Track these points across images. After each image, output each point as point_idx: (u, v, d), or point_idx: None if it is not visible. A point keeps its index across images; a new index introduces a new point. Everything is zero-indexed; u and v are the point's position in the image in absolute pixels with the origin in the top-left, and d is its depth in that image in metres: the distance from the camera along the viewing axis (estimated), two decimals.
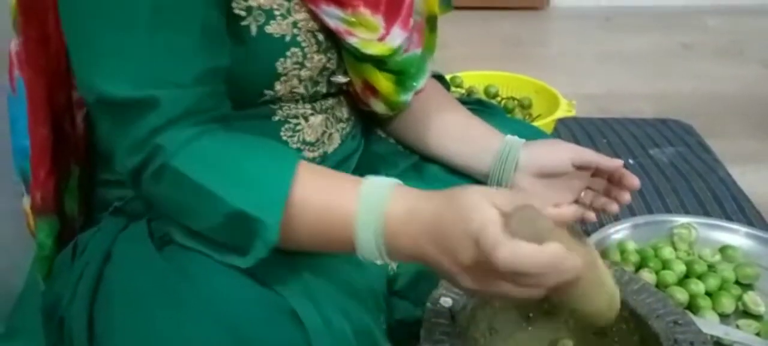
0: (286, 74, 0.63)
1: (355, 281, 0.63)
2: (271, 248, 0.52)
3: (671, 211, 1.17)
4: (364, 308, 0.61)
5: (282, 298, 0.54)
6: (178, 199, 0.55)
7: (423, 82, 0.75)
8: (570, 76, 1.78)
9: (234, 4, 0.57)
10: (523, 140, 0.78)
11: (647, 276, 0.93)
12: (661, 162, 1.35)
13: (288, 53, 0.62)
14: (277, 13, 0.60)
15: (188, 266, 0.56)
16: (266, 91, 0.63)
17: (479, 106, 0.98)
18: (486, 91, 1.38)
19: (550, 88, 1.33)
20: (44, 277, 0.68)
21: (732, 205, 1.20)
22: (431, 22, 0.76)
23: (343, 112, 0.75)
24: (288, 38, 0.61)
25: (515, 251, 0.45)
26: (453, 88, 1.38)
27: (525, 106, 1.35)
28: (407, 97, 0.74)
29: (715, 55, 1.95)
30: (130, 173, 0.55)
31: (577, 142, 1.42)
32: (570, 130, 1.46)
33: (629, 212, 1.18)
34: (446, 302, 0.63)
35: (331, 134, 0.73)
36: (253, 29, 0.59)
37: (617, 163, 0.77)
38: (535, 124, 1.20)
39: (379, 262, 0.54)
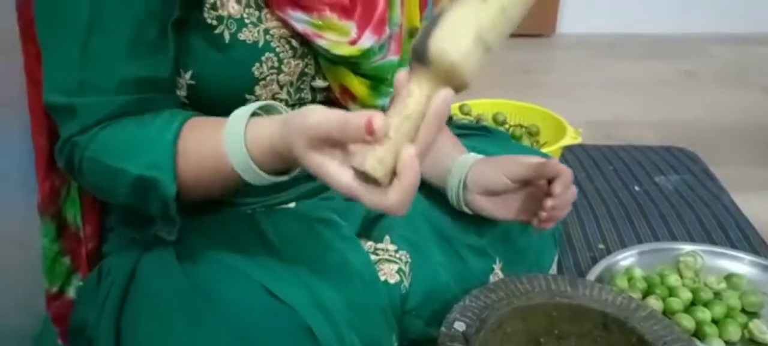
0: (264, 79, 0.65)
1: (367, 298, 0.65)
2: (173, 199, 0.57)
3: (677, 238, 1.19)
4: (375, 325, 0.63)
5: (296, 313, 0.57)
6: (98, 183, 0.62)
7: None
8: (576, 103, 1.81)
9: (206, 15, 0.61)
10: (479, 157, 0.76)
11: (654, 303, 0.95)
12: (666, 189, 1.37)
13: (263, 58, 0.64)
14: (247, 20, 0.63)
15: (208, 283, 0.60)
16: (248, 96, 0.66)
17: (485, 132, 1.00)
18: (494, 119, 1.41)
19: (556, 116, 1.36)
20: (49, 281, 0.72)
21: (737, 233, 1.22)
22: (412, 34, 0.78)
23: None
24: (261, 44, 0.64)
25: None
26: (461, 116, 1.41)
27: (532, 133, 1.38)
28: (384, 102, 0.75)
29: (718, 83, 1.98)
30: (65, 170, 0.63)
31: (584, 169, 1.45)
32: (577, 156, 1.49)
33: (636, 238, 1.20)
34: (460, 326, 0.65)
35: None
36: (226, 36, 0.62)
37: (553, 169, 0.71)
38: (543, 150, 1.23)
39: (252, 177, 0.56)
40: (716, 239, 1.20)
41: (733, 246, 1.17)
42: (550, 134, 1.35)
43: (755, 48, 2.23)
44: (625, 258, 1.07)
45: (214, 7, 0.61)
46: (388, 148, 0.46)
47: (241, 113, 0.56)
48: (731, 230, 1.23)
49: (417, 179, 0.47)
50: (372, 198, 0.47)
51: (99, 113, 0.59)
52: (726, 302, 0.96)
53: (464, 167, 0.76)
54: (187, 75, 0.64)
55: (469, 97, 1.46)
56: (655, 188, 1.37)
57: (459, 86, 0.47)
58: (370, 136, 0.45)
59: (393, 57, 0.74)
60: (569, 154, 1.47)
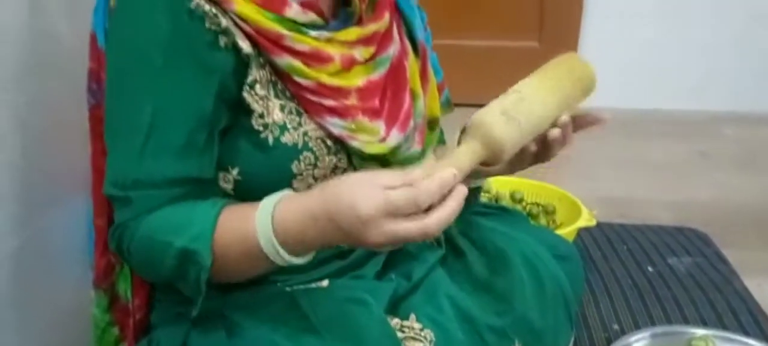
0: (301, 174, 0.73)
1: None
2: (207, 269, 0.65)
3: (689, 321, 1.23)
4: None
5: None
6: (145, 259, 0.69)
7: None
8: (591, 181, 1.86)
9: (253, 122, 0.70)
10: None
11: None
12: (679, 272, 1.41)
13: (301, 157, 0.72)
14: (289, 125, 0.71)
15: None
16: (286, 189, 0.72)
17: (502, 212, 1.06)
18: (512, 196, 1.47)
19: (572, 197, 1.42)
20: None
21: (748, 318, 1.25)
22: (432, 123, 0.87)
23: None
24: (300, 145, 0.72)
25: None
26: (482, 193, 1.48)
27: (549, 212, 1.43)
28: None
29: (731, 164, 2.03)
30: (114, 251, 0.71)
31: (599, 248, 1.50)
32: (592, 235, 1.53)
33: (649, 320, 1.24)
34: None
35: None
36: (270, 140, 0.71)
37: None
38: (559, 232, 1.28)
39: (279, 260, 0.65)
40: (728, 323, 1.23)
41: (745, 331, 1.20)
42: (566, 214, 1.40)
43: (767, 130, 2.28)
44: (638, 340, 1.11)
45: (261, 116, 0.70)
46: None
47: (272, 196, 0.66)
48: (742, 315, 1.26)
49: (458, 208, 0.60)
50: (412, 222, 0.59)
51: (151, 204, 0.67)
52: None
53: None
54: (234, 171, 0.72)
55: None
56: (669, 270, 1.41)
57: (497, 151, 0.65)
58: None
59: (417, 148, 0.82)
60: (585, 233, 1.51)
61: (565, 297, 0.90)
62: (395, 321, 0.78)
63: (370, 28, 0.78)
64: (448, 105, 0.95)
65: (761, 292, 1.34)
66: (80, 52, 0.80)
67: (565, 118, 0.78)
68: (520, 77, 0.83)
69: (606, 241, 1.53)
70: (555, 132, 0.78)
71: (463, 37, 2.36)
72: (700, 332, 1.12)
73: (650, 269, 1.42)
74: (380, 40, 0.80)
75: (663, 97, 2.44)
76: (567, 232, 1.29)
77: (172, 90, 0.66)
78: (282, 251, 0.64)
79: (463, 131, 0.67)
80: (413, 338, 0.78)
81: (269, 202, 0.65)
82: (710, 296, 1.32)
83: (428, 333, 0.79)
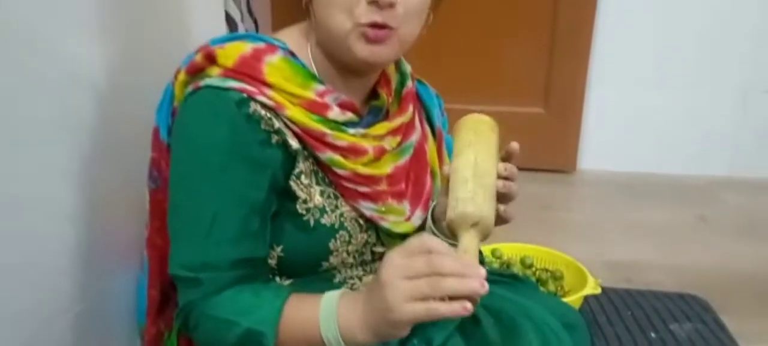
0: (336, 250, 0.83)
1: None
2: None
3: None
4: None
5: None
6: (210, 333, 0.77)
7: None
8: (596, 244, 1.94)
9: (297, 207, 0.80)
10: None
11: None
12: (681, 337, 1.48)
13: (337, 236, 0.83)
14: (328, 208, 0.82)
15: None
16: (323, 263, 0.84)
17: (513, 279, 1.14)
18: (522, 262, 1.55)
19: (578, 265, 1.50)
20: None
21: None
22: None
23: None
24: (337, 225, 0.82)
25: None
26: (492, 258, 1.56)
27: (557, 278, 1.51)
28: None
29: (731, 230, 2.10)
30: (180, 326, 0.80)
31: (604, 312, 1.57)
32: (598, 300, 1.60)
33: None
34: None
35: None
36: (311, 222, 0.81)
37: None
38: (566, 299, 1.36)
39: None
40: None
41: None
42: (573, 281, 1.48)
43: (766, 197, 2.36)
44: None
45: (305, 202, 0.81)
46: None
47: (334, 294, 0.75)
48: None
49: (467, 272, 0.67)
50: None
51: (219, 284, 0.77)
52: None
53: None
54: (279, 249, 0.83)
55: (497, 240, 1.60)
56: (670, 336, 1.48)
57: (486, 229, 0.75)
58: None
59: None
60: (591, 299, 1.58)
61: None
62: None
63: (398, 120, 0.89)
64: None
65: None
66: (140, 141, 0.90)
67: (500, 166, 0.83)
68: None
69: (611, 307, 1.60)
70: (501, 184, 0.82)
71: (473, 102, 2.44)
72: None
73: (653, 334, 1.49)
74: (405, 129, 0.91)
75: (664, 162, 2.51)
76: (574, 299, 1.36)
77: (230, 187, 0.76)
78: (342, 343, 0.73)
79: (452, 226, 0.76)
80: None
81: (332, 300, 0.74)
82: None
83: None
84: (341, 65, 0.84)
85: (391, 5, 0.76)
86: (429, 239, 0.68)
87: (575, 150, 2.54)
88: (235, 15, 1.64)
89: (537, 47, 2.40)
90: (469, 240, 0.74)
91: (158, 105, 0.87)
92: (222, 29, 1.52)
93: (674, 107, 2.46)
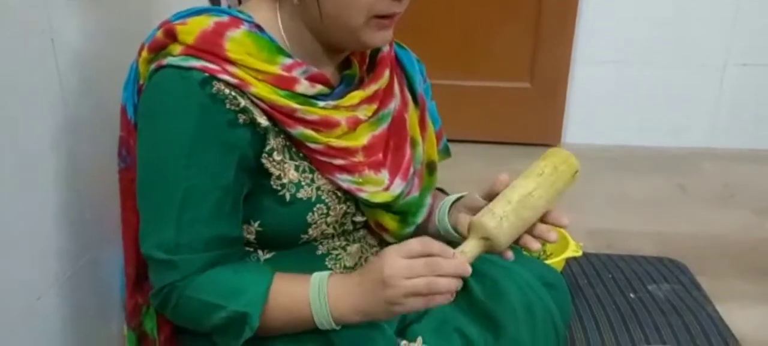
0: (315, 223, 0.82)
1: None
2: (253, 330, 0.75)
3: (666, 343, 1.35)
4: None
5: None
6: (191, 315, 0.78)
7: (422, 216, 0.93)
8: (580, 213, 1.99)
9: (272, 183, 0.79)
10: (452, 199, 0.93)
11: None
12: (658, 297, 1.54)
13: (315, 209, 0.81)
14: (303, 183, 0.80)
15: None
16: (302, 235, 0.83)
17: None
18: None
19: (561, 230, 1.55)
20: None
21: (718, 340, 1.38)
22: (430, 167, 0.95)
23: (374, 239, 0.93)
24: (314, 199, 0.81)
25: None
26: None
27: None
28: (410, 229, 0.91)
29: (708, 198, 2.16)
30: (157, 306, 0.80)
31: (586, 276, 1.63)
32: (580, 264, 1.66)
33: (631, 342, 1.36)
34: None
35: (367, 257, 0.92)
36: (288, 197, 0.80)
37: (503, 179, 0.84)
38: (548, 262, 1.42)
39: (325, 328, 0.77)
40: (700, 344, 1.36)
41: None
42: (555, 246, 1.54)
43: (743, 166, 2.42)
44: None
45: (278, 178, 0.79)
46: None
47: (323, 276, 0.78)
48: (714, 338, 1.39)
49: (459, 272, 0.74)
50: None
51: (196, 266, 0.77)
52: None
53: (445, 210, 0.93)
54: (256, 224, 0.82)
55: None
56: (648, 296, 1.55)
57: (497, 248, 0.78)
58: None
59: (416, 193, 0.91)
60: (573, 262, 1.64)
61: (554, 322, 1.00)
62: (403, 343, 0.89)
63: (371, 88, 0.85)
64: (447, 152, 1.04)
65: (731, 317, 1.47)
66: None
67: (548, 220, 0.84)
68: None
69: (592, 270, 1.66)
70: (542, 228, 0.83)
71: (460, 78, 2.49)
72: None
73: (632, 295, 1.55)
74: (382, 96, 0.87)
75: (646, 134, 2.56)
76: (556, 261, 1.43)
77: (200, 170, 0.75)
78: (333, 324, 0.77)
79: (470, 227, 0.79)
80: None
81: (322, 282, 0.77)
82: (685, 320, 1.45)
83: None
84: (327, 45, 0.82)
85: None
86: (429, 243, 0.73)
87: (560, 124, 2.58)
88: None
89: (523, 24, 2.43)
90: (472, 247, 0.78)
91: (124, 82, 0.84)
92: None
93: (655, 82, 2.51)
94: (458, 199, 0.93)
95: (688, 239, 1.88)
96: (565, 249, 1.47)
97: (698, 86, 2.51)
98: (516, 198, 0.80)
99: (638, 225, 1.96)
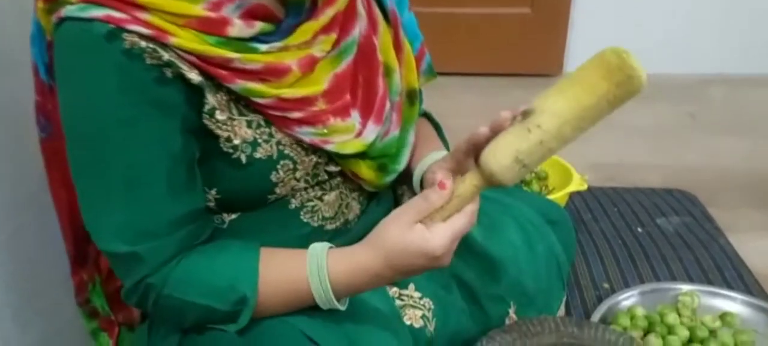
0: (281, 181, 0.71)
1: (396, 341, 0.74)
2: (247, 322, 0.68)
3: (676, 278, 1.29)
4: None
5: None
6: (177, 316, 0.70)
7: (404, 161, 0.80)
8: (582, 146, 1.90)
9: (221, 146, 0.66)
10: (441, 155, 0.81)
11: (654, 341, 1.05)
12: (668, 231, 1.47)
13: (279, 166, 0.69)
14: (260, 140, 0.68)
15: (254, 332, 0.69)
16: (269, 196, 0.72)
17: None
18: None
19: (564, 163, 1.46)
20: None
21: (732, 273, 1.31)
22: (411, 96, 0.81)
23: (354, 185, 0.80)
24: (275, 156, 0.69)
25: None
26: None
27: (541, 177, 1.48)
28: (390, 178, 0.80)
29: (718, 126, 2.07)
30: (134, 305, 0.70)
31: (590, 210, 1.55)
32: (583, 198, 1.59)
33: (638, 278, 1.30)
34: None
35: (347, 204, 0.80)
36: (243, 159, 0.67)
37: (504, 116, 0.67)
38: (551, 197, 1.33)
39: (325, 304, 0.68)
40: (712, 279, 1.29)
41: (729, 286, 1.26)
42: (558, 179, 1.45)
43: (753, 91, 2.33)
44: (628, 298, 1.17)
45: (228, 140, 0.66)
46: (442, 212, 0.65)
47: (321, 251, 0.68)
48: (727, 271, 1.32)
49: (464, 227, 0.65)
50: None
51: (164, 254, 0.66)
52: (720, 340, 1.06)
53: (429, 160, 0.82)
54: (213, 191, 0.71)
55: None
56: (657, 230, 1.47)
57: (494, 184, 0.64)
58: (441, 189, 0.64)
59: (395, 131, 0.79)
60: (576, 197, 1.57)
61: (557, 260, 0.95)
62: (394, 290, 0.82)
63: (327, 14, 0.70)
64: (431, 72, 0.90)
65: (744, 248, 1.40)
66: None
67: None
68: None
69: (597, 204, 1.58)
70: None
71: (460, 4, 2.37)
72: (686, 287, 1.18)
73: (639, 229, 1.48)
74: (342, 22, 0.72)
75: (653, 61, 2.46)
76: (559, 196, 1.34)
77: (137, 139, 0.62)
78: (337, 304, 0.68)
79: (477, 157, 0.65)
80: (412, 306, 0.82)
81: (320, 259, 0.67)
82: (696, 254, 1.38)
83: (427, 302, 0.83)
84: None
85: None
86: (430, 246, 0.64)
87: (562, 52, 2.48)
88: None
89: None
90: (465, 188, 0.65)
91: (30, 37, 0.70)
92: None
93: (661, 6, 2.40)
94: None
95: (697, 169, 1.80)
96: (568, 183, 1.38)
97: (707, 9, 2.40)
98: (548, 125, 0.62)
99: (645, 157, 1.89)
